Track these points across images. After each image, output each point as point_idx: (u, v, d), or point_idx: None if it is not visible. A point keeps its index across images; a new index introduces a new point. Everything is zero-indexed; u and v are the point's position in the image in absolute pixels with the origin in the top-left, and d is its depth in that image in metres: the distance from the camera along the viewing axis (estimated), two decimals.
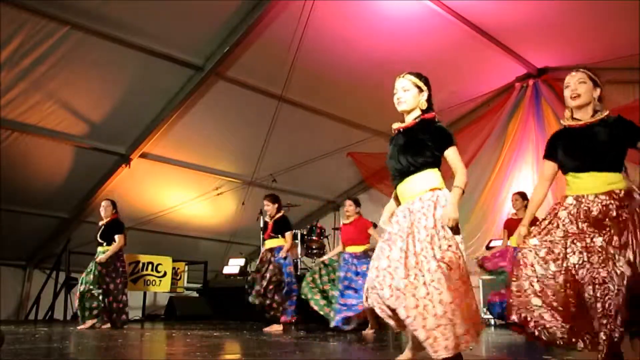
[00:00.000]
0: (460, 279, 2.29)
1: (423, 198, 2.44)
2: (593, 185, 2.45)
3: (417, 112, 2.63)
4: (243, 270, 8.46)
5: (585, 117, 2.58)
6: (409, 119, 2.65)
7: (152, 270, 8.33)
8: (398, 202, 2.66)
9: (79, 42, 5.82)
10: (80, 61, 6.08)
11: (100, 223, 6.14)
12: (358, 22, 6.26)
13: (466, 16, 6.20)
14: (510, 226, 5.55)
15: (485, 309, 6.87)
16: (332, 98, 7.62)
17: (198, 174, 8.46)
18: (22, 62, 5.79)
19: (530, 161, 7.45)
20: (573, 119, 2.61)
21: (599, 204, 2.38)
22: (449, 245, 2.33)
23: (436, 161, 2.55)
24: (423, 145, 2.52)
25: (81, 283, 5.85)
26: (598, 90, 2.62)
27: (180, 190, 8.67)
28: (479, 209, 7.54)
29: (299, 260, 8.15)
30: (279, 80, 6.77)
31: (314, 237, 8.28)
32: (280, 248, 5.75)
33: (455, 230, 2.40)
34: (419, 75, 2.68)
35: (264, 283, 5.57)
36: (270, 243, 5.86)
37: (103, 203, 6.22)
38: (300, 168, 8.51)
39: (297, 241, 8.22)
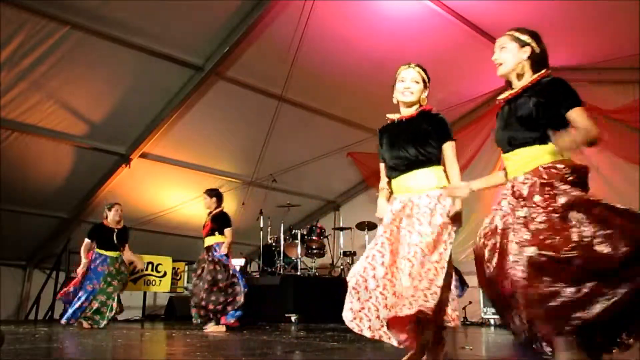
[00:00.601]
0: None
1: (431, 195, 2.41)
2: (518, 165, 2.18)
3: (416, 107, 2.62)
4: (243, 270, 8.46)
5: (516, 85, 2.26)
6: (407, 112, 2.61)
7: (152, 270, 8.35)
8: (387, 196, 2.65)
9: (79, 42, 5.81)
10: (80, 61, 6.08)
11: (112, 226, 6.18)
12: (358, 22, 6.26)
13: (466, 16, 6.20)
14: None
15: (485, 309, 6.89)
16: (332, 98, 7.62)
17: (198, 174, 8.46)
18: (22, 62, 5.79)
19: None
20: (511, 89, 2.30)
21: (527, 185, 2.09)
22: (445, 249, 2.31)
23: (439, 154, 2.54)
24: (428, 135, 2.51)
25: (98, 294, 5.87)
26: (527, 49, 2.20)
27: (180, 190, 8.67)
28: (478, 209, 7.56)
29: (299, 260, 8.15)
30: (279, 80, 6.77)
31: (314, 237, 8.28)
32: (219, 245, 5.58)
33: (457, 220, 2.40)
34: (424, 70, 2.66)
35: (203, 285, 5.38)
36: (209, 240, 5.69)
37: (118, 207, 6.23)
38: (300, 168, 8.51)
39: (297, 241, 8.23)
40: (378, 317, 2.31)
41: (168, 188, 8.59)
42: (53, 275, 8.53)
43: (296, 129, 8.00)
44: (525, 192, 2.08)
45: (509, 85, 2.31)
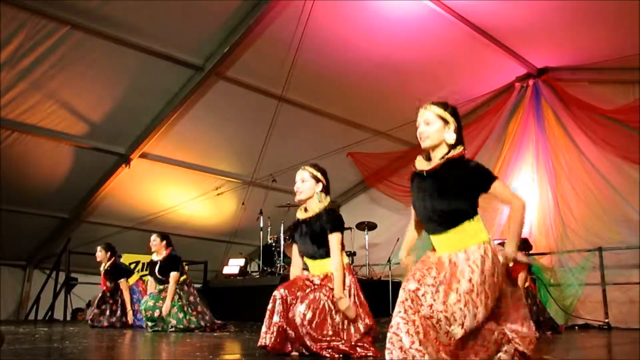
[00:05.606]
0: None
1: (469, 251, 2.20)
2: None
3: (444, 148, 2.31)
4: (243, 270, 8.46)
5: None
6: (436, 156, 2.33)
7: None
8: (417, 231, 2.50)
9: (79, 42, 5.82)
10: (80, 61, 6.09)
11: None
12: (358, 22, 6.26)
13: (466, 16, 6.20)
14: None
15: None
16: (332, 98, 7.62)
17: (198, 174, 8.47)
18: (22, 62, 5.80)
19: (530, 161, 7.46)
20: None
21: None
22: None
23: (474, 206, 2.30)
24: (456, 189, 2.25)
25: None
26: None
27: (180, 190, 8.67)
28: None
29: None
30: (279, 80, 6.77)
31: None
32: None
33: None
34: (444, 106, 2.37)
35: None
36: None
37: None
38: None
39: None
40: None
41: (168, 188, 8.59)
42: (53, 275, 8.52)
43: (296, 129, 8.00)
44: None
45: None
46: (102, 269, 6.37)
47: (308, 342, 2.73)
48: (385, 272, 8.20)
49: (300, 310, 2.76)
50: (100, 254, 6.35)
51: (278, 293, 2.87)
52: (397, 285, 8.04)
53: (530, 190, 7.38)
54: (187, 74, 6.69)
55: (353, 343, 2.79)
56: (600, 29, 6.14)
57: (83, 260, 8.11)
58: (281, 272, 7.83)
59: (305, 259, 3.13)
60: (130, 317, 6.19)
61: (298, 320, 2.74)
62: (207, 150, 8.17)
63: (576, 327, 6.34)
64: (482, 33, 6.45)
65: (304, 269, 3.19)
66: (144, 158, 7.73)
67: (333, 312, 2.83)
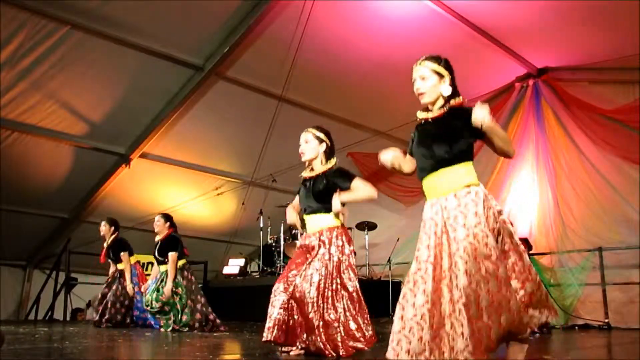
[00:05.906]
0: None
1: (459, 194, 2.22)
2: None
3: (442, 101, 2.39)
4: (243, 270, 8.46)
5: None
6: (435, 108, 2.41)
7: (151, 270, 8.32)
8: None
9: (79, 42, 5.82)
10: (80, 61, 6.09)
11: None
12: (358, 22, 6.26)
13: (466, 16, 6.20)
14: None
15: None
16: (332, 98, 7.62)
17: (198, 174, 8.47)
18: (22, 62, 5.80)
19: (530, 161, 7.46)
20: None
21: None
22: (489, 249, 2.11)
23: (470, 151, 2.34)
24: (457, 133, 2.30)
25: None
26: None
27: (180, 190, 8.67)
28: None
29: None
30: (279, 80, 6.77)
31: None
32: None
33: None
34: (437, 60, 2.46)
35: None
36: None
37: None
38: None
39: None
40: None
41: (168, 188, 8.59)
42: (53, 275, 8.53)
43: (296, 129, 7.92)
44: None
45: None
46: (105, 244, 6.32)
47: (310, 324, 2.82)
48: (385, 272, 8.19)
49: (305, 290, 2.91)
50: (104, 227, 6.32)
51: (277, 288, 3.05)
52: (397, 285, 8.04)
53: (530, 190, 7.38)
54: (187, 74, 6.69)
55: (350, 343, 2.81)
56: (600, 29, 6.14)
57: (83, 260, 8.12)
58: (281, 272, 7.83)
59: (304, 215, 3.29)
60: (130, 289, 6.15)
61: (303, 301, 2.88)
62: (207, 150, 8.17)
63: (576, 327, 6.33)
64: (482, 33, 6.45)
65: (302, 226, 3.39)
66: (144, 158, 7.73)
67: (334, 289, 2.97)
